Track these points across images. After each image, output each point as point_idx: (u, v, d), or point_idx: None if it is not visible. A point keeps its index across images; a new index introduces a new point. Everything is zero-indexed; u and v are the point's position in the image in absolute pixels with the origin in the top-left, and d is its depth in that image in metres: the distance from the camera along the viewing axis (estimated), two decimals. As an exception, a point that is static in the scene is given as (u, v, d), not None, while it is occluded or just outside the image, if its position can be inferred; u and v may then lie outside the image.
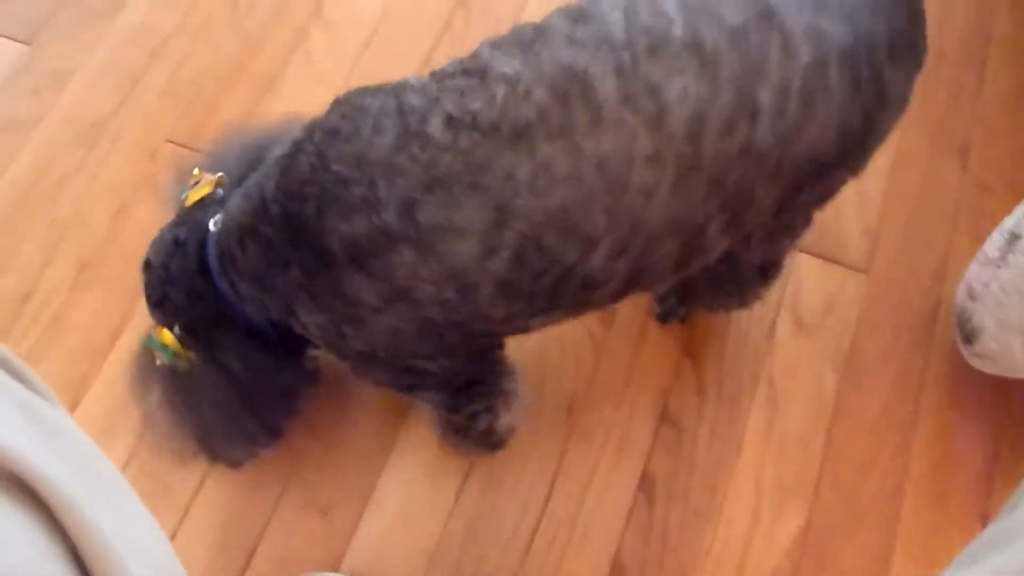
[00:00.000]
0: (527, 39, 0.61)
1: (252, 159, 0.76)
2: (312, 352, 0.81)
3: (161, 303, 0.72)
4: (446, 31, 1.15)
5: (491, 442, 0.90)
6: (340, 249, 0.62)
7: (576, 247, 0.61)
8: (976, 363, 0.90)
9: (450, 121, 0.59)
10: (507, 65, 0.60)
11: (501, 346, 0.80)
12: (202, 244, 0.70)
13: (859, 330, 0.98)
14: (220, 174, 0.75)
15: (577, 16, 0.61)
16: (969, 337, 0.88)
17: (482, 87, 0.60)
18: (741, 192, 0.62)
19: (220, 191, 0.74)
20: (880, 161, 1.08)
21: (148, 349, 0.74)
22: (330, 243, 0.62)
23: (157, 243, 0.74)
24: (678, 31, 0.58)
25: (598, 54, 0.59)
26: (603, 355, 0.96)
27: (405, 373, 0.73)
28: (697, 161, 0.59)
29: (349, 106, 0.64)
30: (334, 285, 0.63)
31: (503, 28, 0.64)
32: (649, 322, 0.98)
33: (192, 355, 0.72)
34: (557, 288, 0.64)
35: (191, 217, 0.72)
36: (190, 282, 0.71)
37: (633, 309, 0.98)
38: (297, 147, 0.64)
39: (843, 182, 0.72)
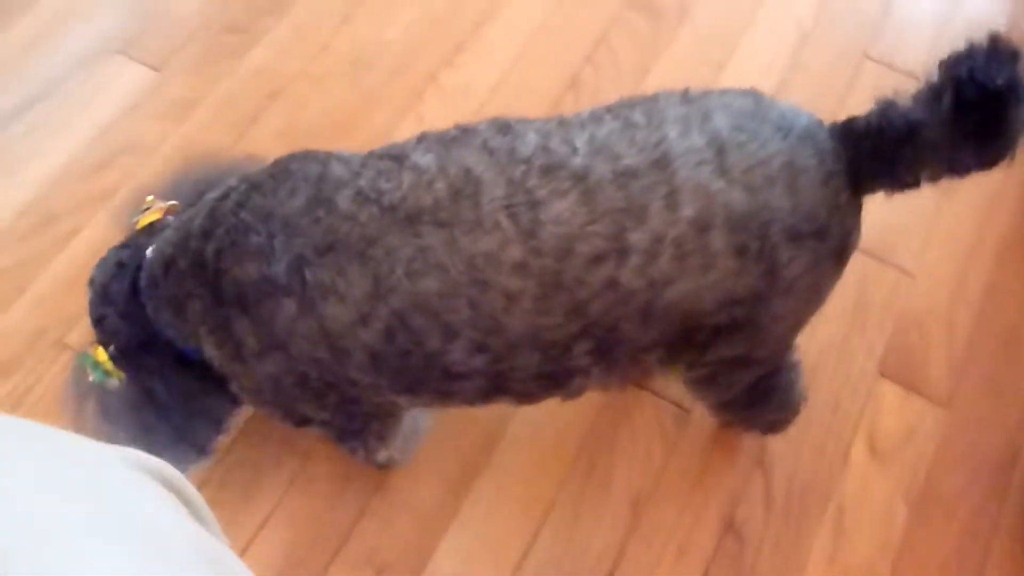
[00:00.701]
0: (451, 138, 0.67)
1: (205, 191, 0.79)
2: None
3: (100, 322, 0.76)
4: (555, 110, 1.18)
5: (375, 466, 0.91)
6: (230, 290, 0.67)
7: (438, 334, 0.65)
8: (1057, 520, 0.88)
9: (358, 195, 0.65)
10: (423, 157, 0.65)
11: (392, 414, 0.82)
12: (140, 268, 0.74)
13: (935, 466, 0.96)
14: (173, 202, 0.79)
15: (503, 128, 0.66)
16: (1053, 493, 0.86)
17: (397, 172, 0.65)
18: (605, 323, 0.65)
19: (170, 218, 0.78)
20: (972, 290, 1.07)
21: (82, 366, 0.76)
22: (223, 283, 0.67)
23: (102, 264, 0.77)
24: (576, 160, 0.62)
25: (498, 163, 0.63)
26: (674, 453, 0.96)
27: (294, 414, 0.77)
28: (561, 280, 0.63)
29: (279, 167, 0.70)
30: (225, 323, 0.68)
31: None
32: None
33: (122, 375, 0.75)
34: (421, 371, 0.67)
35: (136, 241, 0.76)
36: (125, 304, 0.74)
37: (709, 411, 0.98)
38: (225, 193, 0.70)
39: (761, 359, 0.74)
